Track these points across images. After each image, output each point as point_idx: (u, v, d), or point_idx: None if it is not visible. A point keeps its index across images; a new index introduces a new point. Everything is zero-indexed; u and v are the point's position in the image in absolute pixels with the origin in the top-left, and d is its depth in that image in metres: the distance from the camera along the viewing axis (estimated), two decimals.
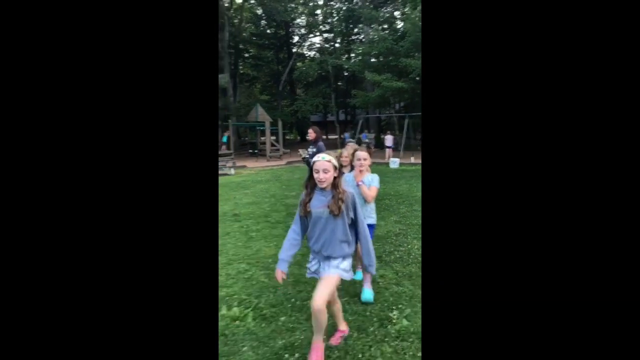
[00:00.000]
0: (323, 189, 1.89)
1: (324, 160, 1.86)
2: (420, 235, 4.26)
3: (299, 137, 29.78)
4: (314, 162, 1.88)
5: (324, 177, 1.84)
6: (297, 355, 2.05)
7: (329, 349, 2.09)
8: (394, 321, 2.39)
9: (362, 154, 2.71)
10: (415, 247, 3.89)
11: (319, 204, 1.90)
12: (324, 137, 31.41)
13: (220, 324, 2.45)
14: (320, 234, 1.93)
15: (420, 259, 3.57)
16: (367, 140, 18.66)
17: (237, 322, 2.48)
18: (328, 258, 1.94)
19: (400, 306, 2.60)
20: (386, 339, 2.19)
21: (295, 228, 2.00)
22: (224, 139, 16.01)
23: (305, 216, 1.95)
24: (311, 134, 4.91)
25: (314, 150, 4.84)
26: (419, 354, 2.04)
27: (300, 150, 4.58)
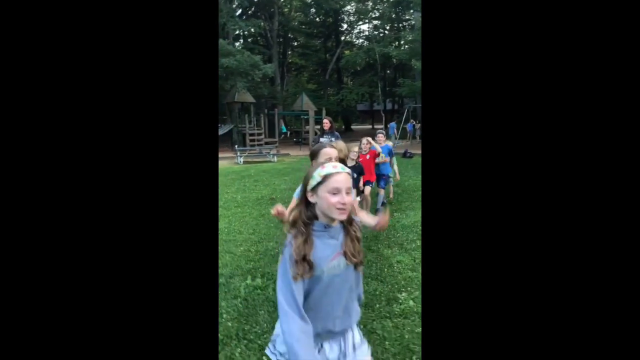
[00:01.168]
0: (330, 225, 1.09)
1: (345, 173, 1.07)
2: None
3: (343, 126, 29.83)
4: (325, 176, 1.05)
5: (348, 201, 1.05)
6: None
7: None
8: (400, 301, 2.55)
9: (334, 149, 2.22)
10: None
11: (329, 253, 1.08)
12: (370, 126, 31.10)
13: (244, 291, 2.78)
14: (335, 300, 1.11)
15: None
16: (411, 131, 18.22)
17: (259, 291, 2.79)
18: (343, 333, 1.18)
19: (409, 289, 2.73)
20: (389, 316, 2.36)
21: (296, 310, 1.01)
22: (283, 129, 16.54)
23: (303, 279, 1.04)
24: (326, 124, 5.07)
25: (332, 139, 4.97)
26: (417, 330, 2.18)
27: (322, 139, 4.65)
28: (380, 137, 4.90)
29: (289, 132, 16.03)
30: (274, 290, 2.73)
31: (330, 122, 5.14)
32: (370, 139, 4.59)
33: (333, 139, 4.86)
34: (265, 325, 2.32)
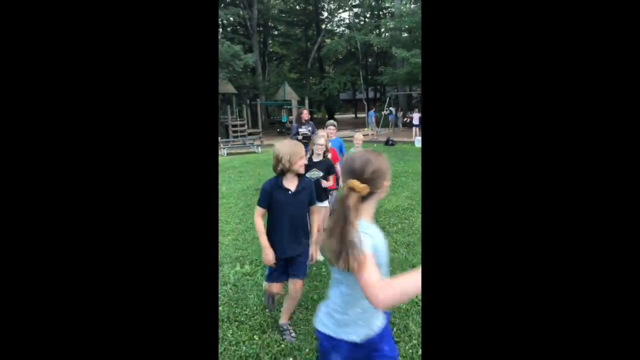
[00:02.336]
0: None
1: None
2: None
3: (327, 116, 29.83)
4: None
5: None
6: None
7: (313, 291, 2.45)
8: None
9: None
10: (419, 220, 4.12)
11: None
12: (354, 115, 31.17)
13: (233, 277, 2.89)
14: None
15: (420, 229, 3.81)
16: (393, 120, 18.44)
17: (247, 277, 2.90)
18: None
19: (390, 269, 2.90)
20: None
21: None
22: (284, 119, 16.23)
23: None
24: (305, 115, 5.43)
25: (309, 129, 5.35)
26: (398, 306, 2.35)
27: (299, 133, 5.05)
28: (331, 129, 3.79)
29: (287, 122, 15.96)
30: (262, 275, 2.86)
31: (308, 113, 5.50)
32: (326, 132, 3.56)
33: (310, 128, 5.25)
34: (255, 308, 2.45)
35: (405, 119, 16.73)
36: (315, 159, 2.94)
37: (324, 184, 2.95)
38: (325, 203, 3.04)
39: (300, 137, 4.97)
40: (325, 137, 3.04)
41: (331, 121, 3.99)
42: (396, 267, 2.92)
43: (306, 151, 2.31)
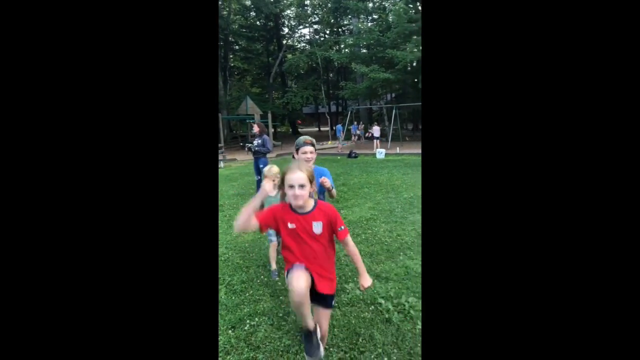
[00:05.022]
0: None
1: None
2: (388, 220, 4.60)
3: (290, 130, 29.95)
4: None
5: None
6: (257, 319, 2.38)
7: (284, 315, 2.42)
8: (347, 291, 2.73)
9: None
10: (382, 230, 4.22)
11: None
12: (317, 129, 31.55)
13: None
14: None
15: (383, 240, 3.90)
16: (357, 132, 18.94)
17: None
18: None
19: (355, 279, 2.93)
20: (338, 306, 2.52)
21: None
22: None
23: None
24: (256, 128, 5.83)
25: (259, 141, 5.69)
26: (362, 315, 2.38)
27: (248, 144, 5.61)
28: (308, 153, 2.32)
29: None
30: (226, 293, 2.77)
31: (260, 126, 6.01)
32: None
33: (260, 140, 5.64)
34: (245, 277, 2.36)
35: (367, 133, 17.21)
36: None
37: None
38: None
39: (246, 150, 5.44)
40: (304, 170, 1.54)
41: (305, 137, 2.36)
42: None
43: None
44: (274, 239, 3.10)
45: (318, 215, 1.59)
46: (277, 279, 3.00)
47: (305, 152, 2.33)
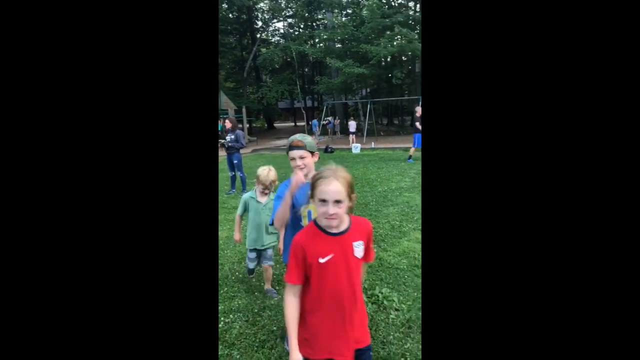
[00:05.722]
0: None
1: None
2: (363, 214, 4.66)
3: (266, 125, 29.63)
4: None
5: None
6: (231, 316, 2.36)
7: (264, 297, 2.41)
8: None
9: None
10: None
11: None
12: (293, 124, 31.39)
13: None
14: None
15: None
16: (331, 127, 19.00)
17: None
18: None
19: None
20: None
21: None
22: (219, 127, 15.76)
23: None
24: (227, 124, 5.83)
25: (232, 137, 5.73)
26: None
27: (221, 140, 5.69)
28: (301, 157, 1.69)
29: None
30: None
31: (232, 121, 6.03)
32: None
33: (232, 136, 5.67)
34: None
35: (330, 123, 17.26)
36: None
37: None
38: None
39: (219, 146, 5.43)
40: (341, 178, 1.21)
41: (295, 138, 1.71)
42: None
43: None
44: (252, 265, 2.74)
45: (357, 233, 1.21)
46: (277, 297, 2.59)
47: (294, 159, 1.62)
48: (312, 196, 1.19)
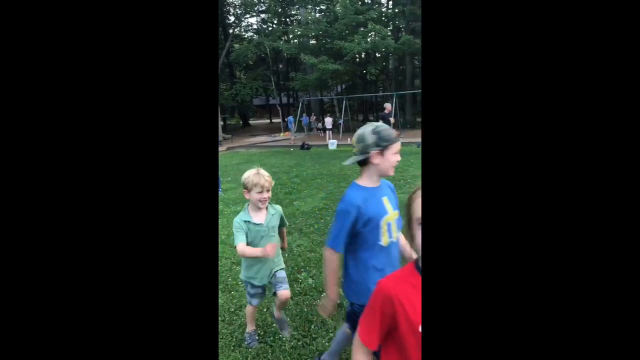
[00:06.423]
0: None
1: None
2: None
3: (241, 122, 29.18)
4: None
5: None
6: None
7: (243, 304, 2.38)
8: (300, 281, 2.75)
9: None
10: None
11: None
12: (269, 121, 31.06)
13: None
14: None
15: None
16: (306, 124, 18.97)
17: None
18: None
19: (308, 268, 2.96)
20: (291, 296, 2.53)
21: None
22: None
23: None
24: None
25: None
26: (315, 303, 2.41)
27: None
28: None
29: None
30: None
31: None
32: None
33: None
34: None
35: (319, 129, 17.25)
36: None
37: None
38: None
39: None
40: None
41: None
42: (314, 266, 2.99)
43: None
44: (256, 301, 2.03)
45: None
46: (257, 344, 2.05)
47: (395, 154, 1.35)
48: (407, 214, 0.84)
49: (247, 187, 1.78)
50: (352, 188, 1.34)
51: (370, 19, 16.23)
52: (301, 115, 18.49)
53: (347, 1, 15.65)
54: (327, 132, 14.86)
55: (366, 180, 1.35)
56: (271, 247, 1.68)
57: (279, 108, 23.33)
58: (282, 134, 18.71)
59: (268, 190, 1.79)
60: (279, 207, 1.96)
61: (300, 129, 18.40)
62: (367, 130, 1.33)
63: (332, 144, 12.79)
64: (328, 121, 15.13)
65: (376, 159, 1.30)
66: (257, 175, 1.76)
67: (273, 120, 31.79)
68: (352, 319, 1.37)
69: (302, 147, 12.88)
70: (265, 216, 1.85)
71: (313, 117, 19.52)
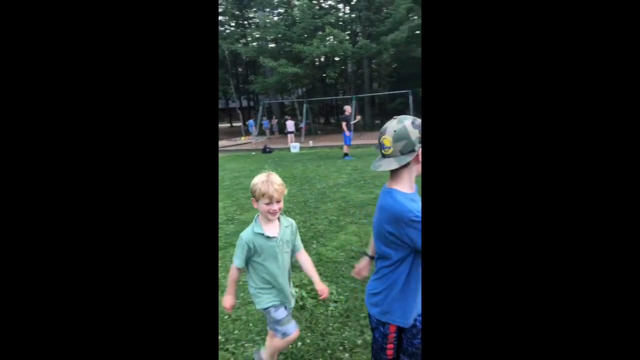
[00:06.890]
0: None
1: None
2: (302, 211, 4.72)
3: None
4: None
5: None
6: None
7: None
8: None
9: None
10: (297, 220, 4.29)
11: None
12: (229, 124, 30.42)
13: None
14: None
15: (298, 230, 4.01)
16: (267, 128, 18.84)
17: None
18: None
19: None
20: (252, 302, 2.52)
21: None
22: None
23: None
24: None
25: None
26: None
27: None
28: None
29: None
30: None
31: None
32: None
33: None
34: None
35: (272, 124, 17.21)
36: None
37: None
38: None
39: None
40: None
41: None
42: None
43: None
44: (293, 329, 1.75)
45: None
46: None
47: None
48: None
49: (254, 196, 1.53)
50: (401, 196, 1.09)
51: (327, 23, 16.48)
52: (262, 119, 18.33)
53: (305, 5, 15.79)
54: (289, 135, 14.85)
55: (407, 186, 1.12)
56: (229, 303, 1.66)
57: (239, 112, 22.95)
58: (243, 137, 18.42)
59: (278, 201, 1.53)
60: (292, 221, 1.72)
61: (261, 132, 18.23)
62: (406, 123, 1.08)
63: (295, 147, 12.80)
64: (289, 124, 15.13)
65: (419, 157, 1.08)
66: (265, 184, 1.50)
67: (233, 124, 31.19)
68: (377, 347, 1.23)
69: (264, 150, 12.77)
70: (279, 228, 1.61)
71: (274, 121, 19.42)
